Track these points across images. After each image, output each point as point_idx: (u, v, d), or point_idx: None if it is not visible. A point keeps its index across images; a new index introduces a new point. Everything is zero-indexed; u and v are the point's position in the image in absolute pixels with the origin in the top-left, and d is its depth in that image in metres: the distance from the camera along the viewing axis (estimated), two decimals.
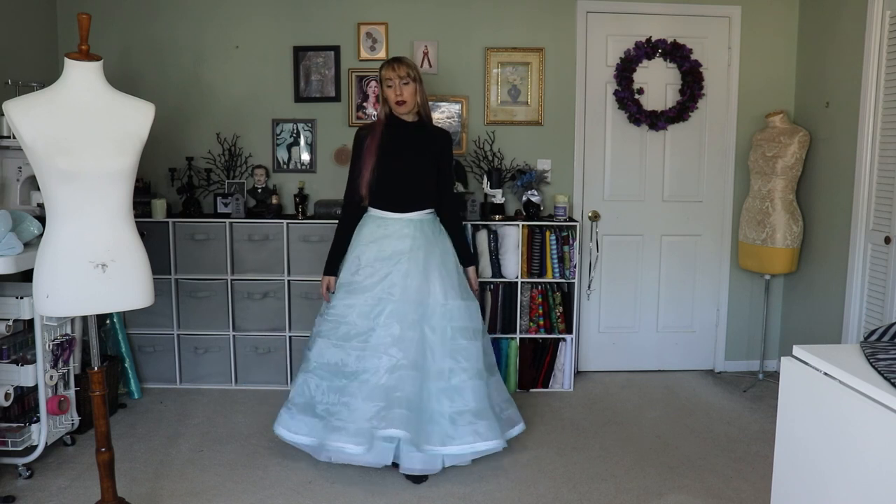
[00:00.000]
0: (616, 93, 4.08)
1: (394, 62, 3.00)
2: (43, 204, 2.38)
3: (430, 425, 2.81)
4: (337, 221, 3.37)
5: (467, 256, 3.22)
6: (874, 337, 1.78)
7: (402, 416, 2.73)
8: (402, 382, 2.79)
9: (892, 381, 1.44)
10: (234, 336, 3.90)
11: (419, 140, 3.06)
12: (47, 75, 3.58)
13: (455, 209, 3.22)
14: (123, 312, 3.82)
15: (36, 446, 2.89)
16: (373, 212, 3.06)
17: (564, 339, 3.94)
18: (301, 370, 2.99)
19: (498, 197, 3.90)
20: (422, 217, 3.04)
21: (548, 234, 3.87)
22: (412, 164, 3.03)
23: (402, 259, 2.93)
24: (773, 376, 4.08)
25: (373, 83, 4.03)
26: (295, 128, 4.08)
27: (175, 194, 3.98)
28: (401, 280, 2.90)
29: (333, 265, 3.10)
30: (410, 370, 2.82)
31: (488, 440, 2.83)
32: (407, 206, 3.02)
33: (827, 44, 3.77)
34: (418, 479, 2.87)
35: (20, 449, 2.84)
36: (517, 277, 3.88)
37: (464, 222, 3.56)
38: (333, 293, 3.05)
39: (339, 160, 4.09)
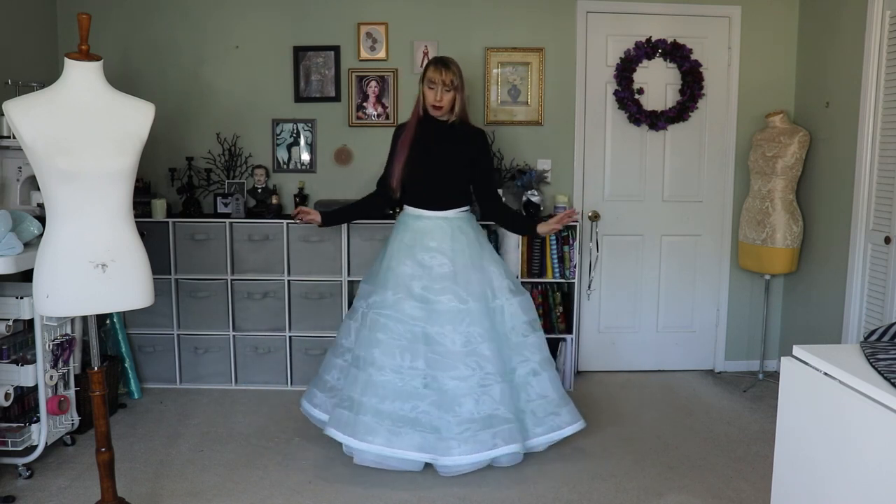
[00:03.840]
0: (616, 93, 4.08)
1: (442, 66, 2.92)
2: (43, 204, 2.38)
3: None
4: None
5: (530, 222, 3.22)
6: (874, 337, 1.78)
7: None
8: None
9: (892, 381, 1.44)
10: (234, 336, 3.90)
11: (453, 137, 3.02)
12: (47, 75, 3.58)
13: (502, 200, 3.31)
14: (123, 312, 3.82)
15: (36, 446, 2.89)
16: (409, 210, 3.05)
17: (564, 339, 3.94)
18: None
19: None
20: (458, 215, 3.03)
21: None
22: (444, 160, 3.00)
23: (444, 259, 2.93)
24: (773, 376, 4.08)
25: (373, 83, 4.03)
26: (295, 128, 4.08)
27: (175, 194, 3.98)
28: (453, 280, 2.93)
29: (333, 215, 3.20)
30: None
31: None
32: (440, 202, 2.99)
33: (827, 44, 3.77)
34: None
35: (20, 449, 2.84)
36: (517, 277, 3.86)
37: None
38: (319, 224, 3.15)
39: (339, 160, 4.09)
